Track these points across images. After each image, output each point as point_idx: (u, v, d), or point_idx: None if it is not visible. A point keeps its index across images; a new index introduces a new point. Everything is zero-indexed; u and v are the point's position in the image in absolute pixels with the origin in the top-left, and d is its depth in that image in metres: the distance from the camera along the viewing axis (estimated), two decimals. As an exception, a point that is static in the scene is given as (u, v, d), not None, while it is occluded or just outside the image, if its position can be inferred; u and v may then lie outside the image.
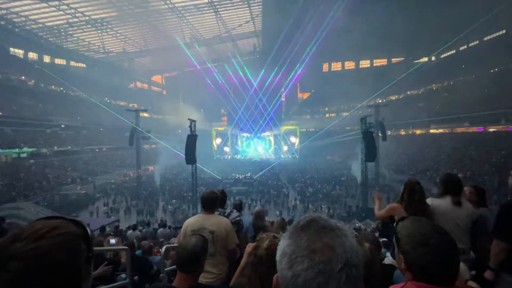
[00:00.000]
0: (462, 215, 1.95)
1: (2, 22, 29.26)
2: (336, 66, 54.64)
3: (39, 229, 0.48)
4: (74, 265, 0.48)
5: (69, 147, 30.59)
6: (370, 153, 16.76)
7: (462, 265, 1.18)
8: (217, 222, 2.19)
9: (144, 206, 19.41)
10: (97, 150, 34.75)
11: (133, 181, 25.75)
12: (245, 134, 45.52)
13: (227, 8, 35.61)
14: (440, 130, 33.99)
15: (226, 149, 46.45)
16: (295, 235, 0.52)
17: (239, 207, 3.44)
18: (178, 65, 52.19)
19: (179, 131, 46.28)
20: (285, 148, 46.57)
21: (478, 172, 20.02)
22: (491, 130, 27.25)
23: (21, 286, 0.43)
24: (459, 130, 31.02)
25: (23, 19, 30.44)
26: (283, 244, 0.52)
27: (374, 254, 1.65)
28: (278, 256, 0.52)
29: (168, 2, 32.05)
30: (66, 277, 0.47)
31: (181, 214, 17.71)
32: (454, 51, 39.24)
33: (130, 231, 8.01)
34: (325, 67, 54.75)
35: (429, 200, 2.08)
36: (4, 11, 28.14)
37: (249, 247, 1.29)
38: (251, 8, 36.50)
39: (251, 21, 40.44)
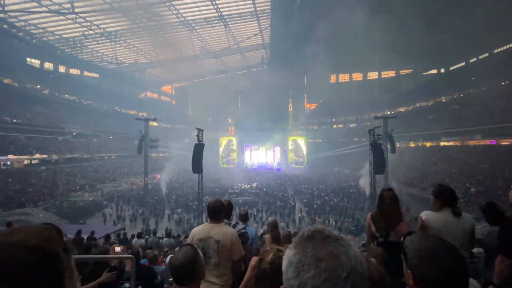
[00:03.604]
0: (464, 226, 1.93)
1: (20, 34, 30.63)
2: (344, 78, 54.79)
3: (13, 228, 0.52)
4: (51, 249, 0.49)
5: (80, 155, 31.12)
6: (379, 165, 16.48)
7: (473, 281, 1.14)
8: (223, 231, 2.17)
9: (150, 215, 19.49)
10: (106, 157, 35.12)
11: (140, 189, 25.93)
12: (251, 144, 45.60)
13: (236, 21, 36.54)
14: (451, 143, 33.31)
15: (232, 158, 46.57)
16: (301, 245, 0.53)
17: (244, 217, 3.40)
18: (187, 75, 53.36)
19: (187, 140, 46.97)
20: (292, 158, 46.38)
21: (492, 187, 19.39)
22: (504, 143, 26.56)
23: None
24: (471, 143, 30.34)
25: (41, 30, 31.78)
26: (289, 254, 0.54)
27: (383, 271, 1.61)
28: (284, 267, 0.54)
29: (179, 15, 33.14)
30: (44, 260, 0.48)
31: (186, 223, 17.68)
32: (463, 63, 38.92)
33: (135, 239, 8.00)
34: (333, 78, 54.96)
35: (423, 214, 2.04)
36: (23, 23, 29.53)
37: (253, 260, 1.27)
38: (260, 21, 37.35)
39: (259, 34, 41.31)
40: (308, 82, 54.43)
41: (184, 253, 1.37)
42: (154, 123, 41.86)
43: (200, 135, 15.72)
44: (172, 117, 51.62)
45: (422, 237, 0.85)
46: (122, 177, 30.31)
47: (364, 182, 22.09)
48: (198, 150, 15.23)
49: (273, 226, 3.24)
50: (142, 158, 24.93)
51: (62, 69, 39.28)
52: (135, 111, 46.38)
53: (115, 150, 37.26)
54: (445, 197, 2.00)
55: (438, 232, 1.88)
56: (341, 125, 52.09)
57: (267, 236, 3.30)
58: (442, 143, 34.70)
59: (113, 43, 37.58)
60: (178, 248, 1.52)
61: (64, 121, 33.58)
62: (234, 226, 2.63)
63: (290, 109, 56.68)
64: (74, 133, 33.80)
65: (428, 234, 0.87)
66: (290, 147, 46.41)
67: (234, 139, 47.50)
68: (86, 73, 42.52)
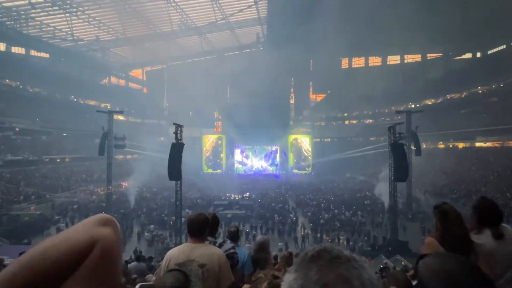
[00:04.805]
0: (508, 251, 1.86)
1: None
2: (359, 62, 55.20)
3: None
4: None
5: (24, 156, 30.59)
6: (401, 170, 16.65)
7: None
8: (208, 253, 2.17)
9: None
10: (58, 160, 34.76)
11: (101, 200, 25.82)
12: (243, 144, 45.54)
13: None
14: (488, 144, 33.92)
15: (219, 161, 46.43)
16: (303, 268, 0.52)
17: (235, 236, 3.40)
18: (163, 57, 52.92)
19: (162, 138, 46.67)
20: (294, 161, 46.53)
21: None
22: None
23: None
24: (512, 143, 31.05)
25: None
26: (289, 279, 0.53)
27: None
28: None
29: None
30: None
31: (160, 243, 17.56)
32: (504, 46, 39.67)
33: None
34: (345, 63, 55.30)
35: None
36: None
37: (245, 288, 1.28)
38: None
39: (254, 6, 41.29)
40: (314, 67, 54.58)
41: (174, 281, 1.36)
42: (120, 117, 41.80)
43: (178, 132, 15.77)
44: (143, 109, 51.16)
45: (437, 259, 0.85)
46: (79, 185, 29.98)
47: (382, 192, 22.31)
48: (176, 151, 15.24)
49: (260, 247, 3.17)
50: (104, 161, 24.81)
51: (1, 46, 38.50)
52: (96, 102, 45.82)
53: (70, 151, 36.85)
54: (484, 215, 1.97)
55: (490, 259, 1.82)
56: (354, 121, 52.55)
57: (281, 254, 3.16)
58: (477, 144, 35.36)
59: (68, 14, 37.02)
60: (164, 273, 1.50)
61: (4, 113, 32.92)
62: (220, 246, 2.63)
63: (292, 101, 56.85)
64: (17, 129, 33.25)
65: (444, 254, 0.86)
66: (292, 148, 46.56)
67: (221, 138, 47.37)
68: (33, 53, 41.78)
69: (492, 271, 1.74)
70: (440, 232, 2.01)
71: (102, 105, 44.41)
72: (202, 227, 2.27)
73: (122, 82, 56.58)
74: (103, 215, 0.60)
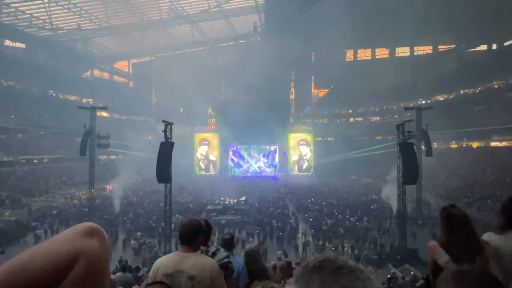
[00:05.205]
0: None
1: None
2: (365, 54, 55.39)
3: None
4: None
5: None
6: (410, 172, 16.72)
7: None
8: (199, 263, 2.16)
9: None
10: (36, 161, 34.64)
11: (83, 205, 25.71)
12: (239, 143, 45.52)
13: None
14: (505, 143, 34.12)
15: (213, 161, 46.34)
16: (304, 279, 0.53)
17: (229, 244, 3.41)
18: (151, 48, 52.75)
19: (150, 136, 46.52)
20: (294, 162, 46.55)
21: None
22: None
23: None
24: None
25: None
26: None
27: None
28: None
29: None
30: None
31: (148, 252, 17.47)
32: (522, 38, 39.99)
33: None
34: (349, 55, 55.51)
35: (486, 236, 2.10)
36: None
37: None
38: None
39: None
40: (316, 59, 54.63)
41: None
42: (104, 113, 41.64)
43: (168, 130, 15.74)
44: (129, 105, 51.04)
45: (458, 275, 0.84)
46: (58, 189, 29.91)
47: (390, 195, 22.40)
48: (166, 151, 15.22)
49: (251, 259, 3.17)
50: (86, 162, 24.75)
51: (-28, 36, 38.31)
52: (77, 97, 45.71)
53: (48, 151, 36.61)
54: (509, 215, 2.05)
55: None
56: (360, 119, 52.69)
57: (279, 264, 3.18)
58: (493, 143, 35.55)
59: (46, 0, 36.76)
60: (145, 286, 1.48)
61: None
62: (213, 255, 2.63)
63: (292, 96, 56.83)
64: (-10, 127, 33.04)
65: (465, 269, 0.85)
66: (292, 147, 46.57)
67: (215, 136, 47.30)
68: (8, 42, 41.63)
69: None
70: (445, 236, 2.09)
71: (84, 100, 44.28)
72: (195, 235, 2.27)
73: (106, 75, 56.53)
74: (88, 224, 0.59)
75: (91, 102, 39.88)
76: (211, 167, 46.85)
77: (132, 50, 54.18)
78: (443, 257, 2.14)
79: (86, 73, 53.20)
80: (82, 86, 47.61)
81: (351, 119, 53.96)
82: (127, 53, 55.34)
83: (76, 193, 29.21)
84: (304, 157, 46.61)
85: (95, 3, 39.75)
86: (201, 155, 46.82)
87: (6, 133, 34.28)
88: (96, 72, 54.93)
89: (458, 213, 2.13)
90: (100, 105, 26.16)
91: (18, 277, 0.48)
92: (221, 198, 29.23)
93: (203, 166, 46.71)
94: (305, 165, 46.42)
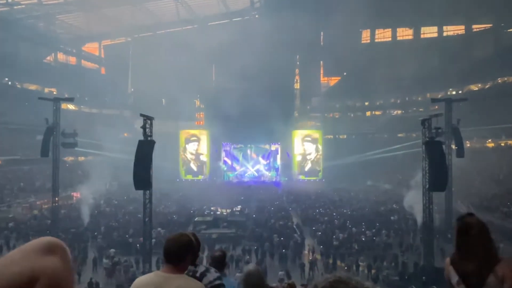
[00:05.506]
0: None
1: None
2: (384, 35, 55.48)
3: None
4: None
5: None
6: (438, 177, 16.81)
7: None
8: (184, 286, 2.20)
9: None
10: (-12, 163, 33.98)
11: (45, 216, 26.45)
12: (233, 142, 45.48)
13: None
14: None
15: (202, 163, 46.36)
16: None
17: (220, 262, 3.53)
18: (127, 27, 52.52)
19: (126, 134, 46.31)
20: (300, 164, 46.56)
21: None
22: None
23: None
24: None
25: None
26: None
27: None
28: None
29: None
30: None
31: (123, 273, 17.67)
32: None
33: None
34: (365, 36, 55.50)
35: None
36: None
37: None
38: None
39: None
40: (326, 41, 54.73)
41: None
42: (70, 106, 41.36)
43: (147, 126, 15.65)
44: (100, 96, 50.90)
45: None
46: (15, 197, 30.59)
47: (414, 205, 22.36)
48: (145, 151, 15.18)
49: (251, 282, 3.15)
50: (49, 165, 24.89)
51: None
52: (37, 86, 45.59)
53: (3, 151, 36.96)
54: None
55: None
56: (378, 113, 52.69)
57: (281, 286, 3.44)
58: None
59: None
60: None
61: None
62: (202, 276, 2.70)
63: (297, 86, 56.89)
64: None
65: None
66: (297, 147, 46.53)
67: (204, 133, 47.20)
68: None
69: None
70: (455, 251, 2.22)
71: (46, 90, 44.15)
72: (183, 252, 2.28)
73: (72, 60, 56.22)
74: (47, 238, 0.59)
75: (54, 92, 39.76)
76: (203, 169, 46.78)
77: (105, 30, 53.95)
78: (453, 277, 2.24)
79: (48, 58, 52.99)
80: (43, 73, 47.64)
81: (367, 113, 54.28)
82: (98, 33, 55.14)
83: (37, 202, 29.86)
84: (308, 157, 46.46)
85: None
86: (191, 154, 46.63)
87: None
88: (61, 57, 54.69)
89: (475, 223, 2.20)
90: (66, 95, 26.06)
91: None
92: (212, 208, 29.58)
93: (194, 168, 46.63)
94: (307, 167, 46.30)
